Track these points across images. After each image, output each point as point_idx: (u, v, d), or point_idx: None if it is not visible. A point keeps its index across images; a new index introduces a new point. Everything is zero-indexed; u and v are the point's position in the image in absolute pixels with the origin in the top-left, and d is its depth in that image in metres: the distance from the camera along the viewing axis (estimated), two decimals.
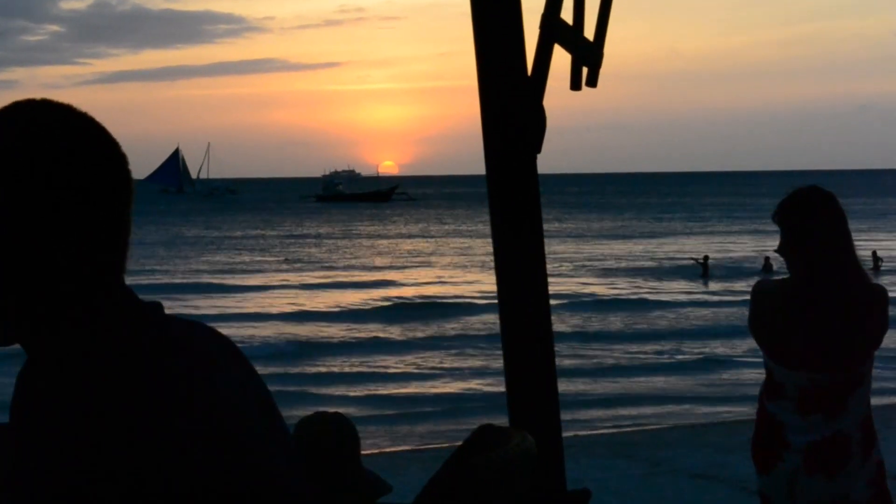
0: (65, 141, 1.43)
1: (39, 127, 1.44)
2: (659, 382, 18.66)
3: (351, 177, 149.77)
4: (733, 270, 37.88)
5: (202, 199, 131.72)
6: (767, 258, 34.63)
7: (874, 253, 35.89)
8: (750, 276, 32.47)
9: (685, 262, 40.55)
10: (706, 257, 38.44)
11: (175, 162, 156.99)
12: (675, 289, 33.74)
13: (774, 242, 4.36)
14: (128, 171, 1.49)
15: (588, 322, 26.29)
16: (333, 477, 3.23)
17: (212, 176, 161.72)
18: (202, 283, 36.00)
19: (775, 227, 4.29)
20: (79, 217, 1.43)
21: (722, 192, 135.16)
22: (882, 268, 35.07)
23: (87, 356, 1.42)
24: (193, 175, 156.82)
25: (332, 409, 3.50)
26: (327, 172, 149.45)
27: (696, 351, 21.81)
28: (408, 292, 33.36)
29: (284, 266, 43.26)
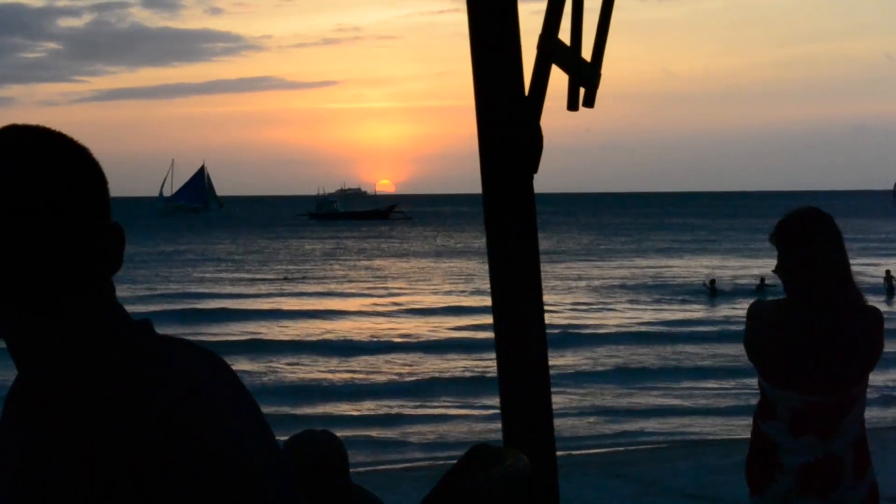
0: (50, 163, 1.50)
1: (25, 151, 1.50)
2: None
3: (357, 195, 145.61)
4: (736, 291, 37.68)
5: (162, 216, 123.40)
6: (762, 279, 34.65)
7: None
8: (752, 296, 32.11)
9: (692, 282, 40.38)
10: (713, 280, 38.38)
11: (201, 179, 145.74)
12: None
13: (770, 263, 4.37)
14: (107, 189, 1.56)
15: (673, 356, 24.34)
16: (323, 493, 3.24)
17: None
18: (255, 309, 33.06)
19: (770, 247, 4.30)
20: (65, 233, 1.48)
21: (716, 212, 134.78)
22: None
23: (77, 371, 1.45)
24: (156, 193, 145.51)
25: (319, 428, 3.51)
26: (334, 189, 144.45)
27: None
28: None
29: (316, 288, 40.96)
